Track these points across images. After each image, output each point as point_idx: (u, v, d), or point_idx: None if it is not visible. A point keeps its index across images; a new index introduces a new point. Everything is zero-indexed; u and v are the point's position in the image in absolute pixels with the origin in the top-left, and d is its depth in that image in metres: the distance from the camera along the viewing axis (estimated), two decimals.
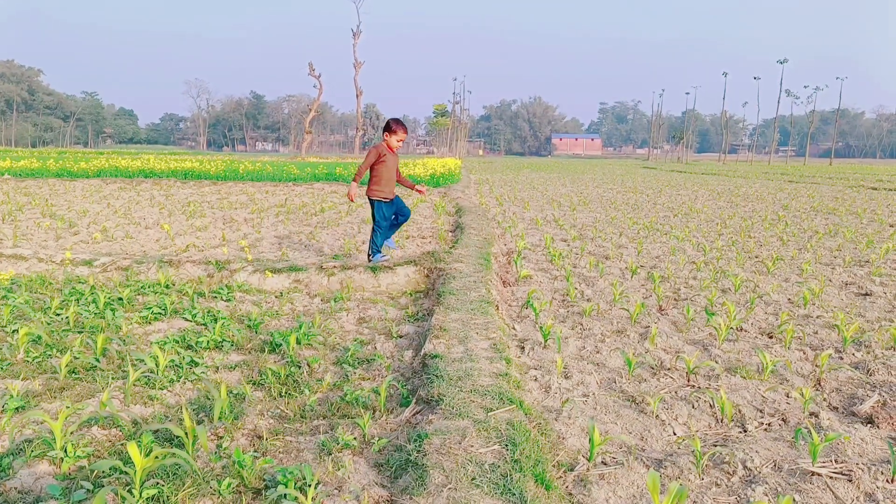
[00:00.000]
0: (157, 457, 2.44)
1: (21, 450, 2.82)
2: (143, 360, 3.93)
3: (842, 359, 4.30)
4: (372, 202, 6.78)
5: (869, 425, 3.24)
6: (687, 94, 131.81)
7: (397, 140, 6.62)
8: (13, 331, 4.47)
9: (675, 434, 3.16)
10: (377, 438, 2.98)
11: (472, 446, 2.67)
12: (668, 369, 4.05)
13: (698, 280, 6.72)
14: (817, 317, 5.33)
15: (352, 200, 6.76)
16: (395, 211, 6.84)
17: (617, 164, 72.49)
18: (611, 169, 48.79)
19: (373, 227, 6.90)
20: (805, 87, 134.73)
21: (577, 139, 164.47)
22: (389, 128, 6.62)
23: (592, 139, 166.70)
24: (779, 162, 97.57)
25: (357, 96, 69.93)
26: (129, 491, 2.41)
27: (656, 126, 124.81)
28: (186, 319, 5.04)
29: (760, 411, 3.42)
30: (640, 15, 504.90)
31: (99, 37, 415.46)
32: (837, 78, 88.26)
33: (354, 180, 6.63)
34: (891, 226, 11.83)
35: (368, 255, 6.89)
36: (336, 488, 2.56)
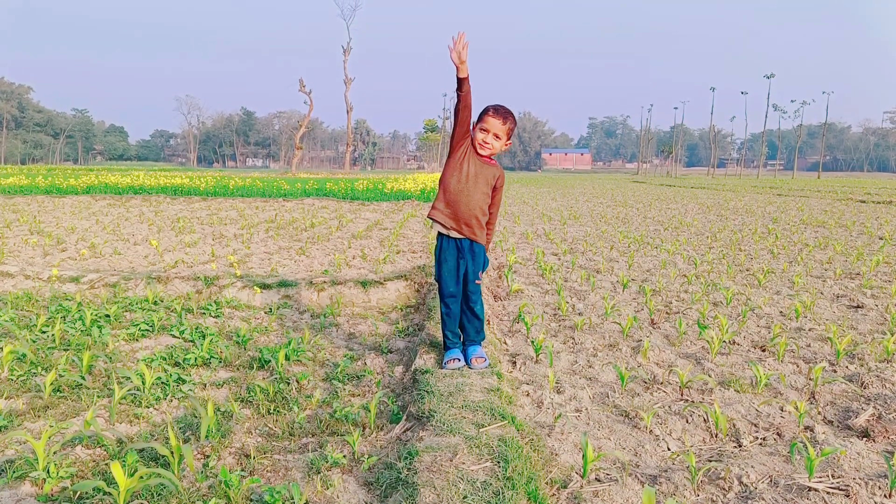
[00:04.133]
0: (141, 477, 2.39)
1: (2, 470, 2.76)
2: (129, 378, 3.87)
3: (835, 372, 4.27)
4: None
5: (865, 439, 3.21)
6: (675, 108, 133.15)
7: (482, 130, 3.90)
8: None
9: (669, 449, 3.12)
10: (367, 456, 2.93)
11: (463, 463, 2.62)
12: (662, 383, 4.01)
13: (690, 293, 6.70)
14: (810, 329, 5.31)
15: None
16: (466, 276, 4.08)
17: (607, 178, 72.80)
18: (601, 183, 48.97)
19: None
20: (792, 101, 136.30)
21: (566, 154, 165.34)
22: (494, 111, 3.91)
23: (582, 154, 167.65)
24: (767, 175, 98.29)
25: (347, 112, 70.07)
26: None
27: (645, 140, 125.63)
28: (174, 336, 4.98)
29: (755, 425, 3.39)
30: (628, 31, 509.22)
31: (90, 54, 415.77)
32: (824, 92, 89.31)
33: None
34: (880, 238, 11.87)
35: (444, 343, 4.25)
36: None
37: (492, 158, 4.06)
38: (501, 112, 3.88)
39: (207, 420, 3.09)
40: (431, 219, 4.07)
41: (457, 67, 3.66)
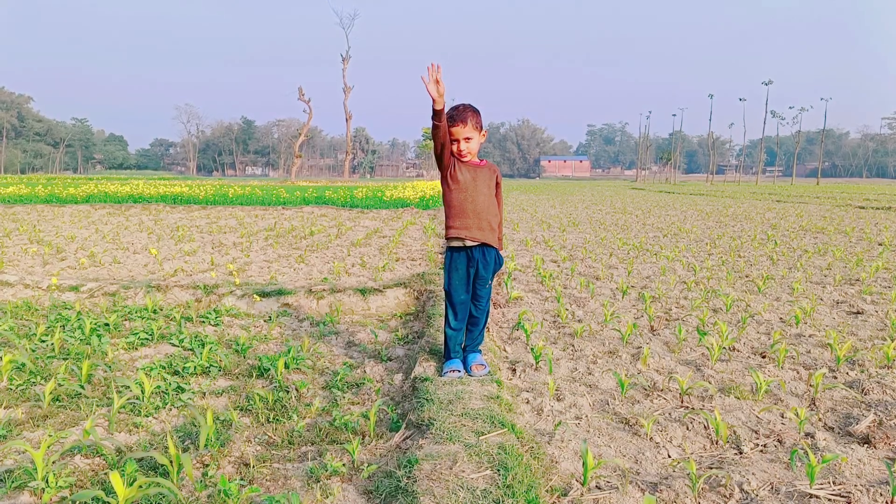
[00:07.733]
0: (140, 486, 2.38)
1: (1, 480, 2.75)
2: (128, 387, 3.86)
3: (835, 378, 4.27)
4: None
5: (865, 445, 3.20)
6: (674, 115, 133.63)
7: (452, 142, 3.88)
8: None
9: (669, 456, 3.11)
10: (366, 464, 2.92)
11: (463, 471, 2.61)
12: (662, 390, 4.01)
13: (689, 300, 6.70)
14: (810, 336, 5.31)
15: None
16: (476, 281, 4.03)
17: (606, 185, 72.90)
18: (600, 190, 49.01)
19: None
20: (790, 108, 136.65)
21: (565, 161, 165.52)
22: (451, 119, 3.83)
23: (581, 161, 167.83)
24: (766, 182, 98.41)
25: (346, 120, 70.31)
26: None
27: (644, 147, 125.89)
28: (173, 345, 4.97)
29: (755, 432, 3.38)
30: (626, 38, 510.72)
31: (89, 63, 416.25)
32: (822, 99, 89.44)
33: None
34: (880, 244, 11.88)
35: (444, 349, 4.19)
36: None
37: (480, 159, 4.03)
38: (459, 118, 3.82)
39: (206, 429, 3.08)
40: (449, 239, 3.96)
41: (434, 101, 3.59)
